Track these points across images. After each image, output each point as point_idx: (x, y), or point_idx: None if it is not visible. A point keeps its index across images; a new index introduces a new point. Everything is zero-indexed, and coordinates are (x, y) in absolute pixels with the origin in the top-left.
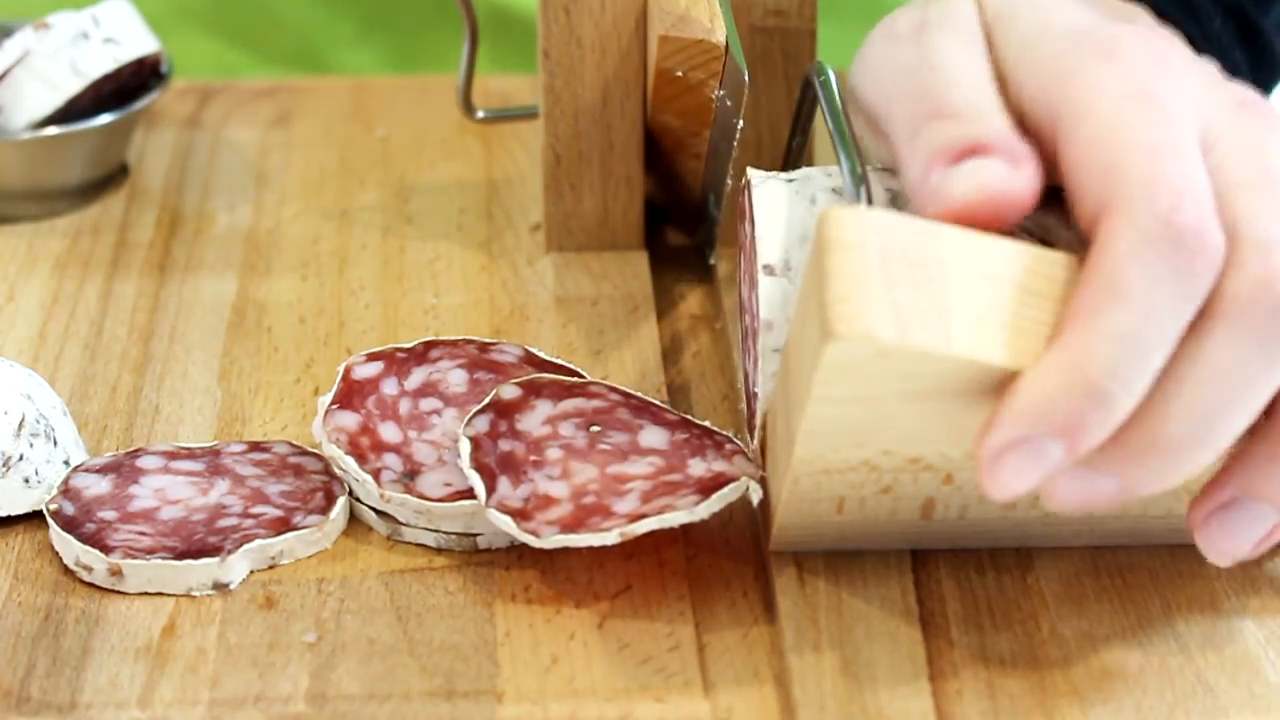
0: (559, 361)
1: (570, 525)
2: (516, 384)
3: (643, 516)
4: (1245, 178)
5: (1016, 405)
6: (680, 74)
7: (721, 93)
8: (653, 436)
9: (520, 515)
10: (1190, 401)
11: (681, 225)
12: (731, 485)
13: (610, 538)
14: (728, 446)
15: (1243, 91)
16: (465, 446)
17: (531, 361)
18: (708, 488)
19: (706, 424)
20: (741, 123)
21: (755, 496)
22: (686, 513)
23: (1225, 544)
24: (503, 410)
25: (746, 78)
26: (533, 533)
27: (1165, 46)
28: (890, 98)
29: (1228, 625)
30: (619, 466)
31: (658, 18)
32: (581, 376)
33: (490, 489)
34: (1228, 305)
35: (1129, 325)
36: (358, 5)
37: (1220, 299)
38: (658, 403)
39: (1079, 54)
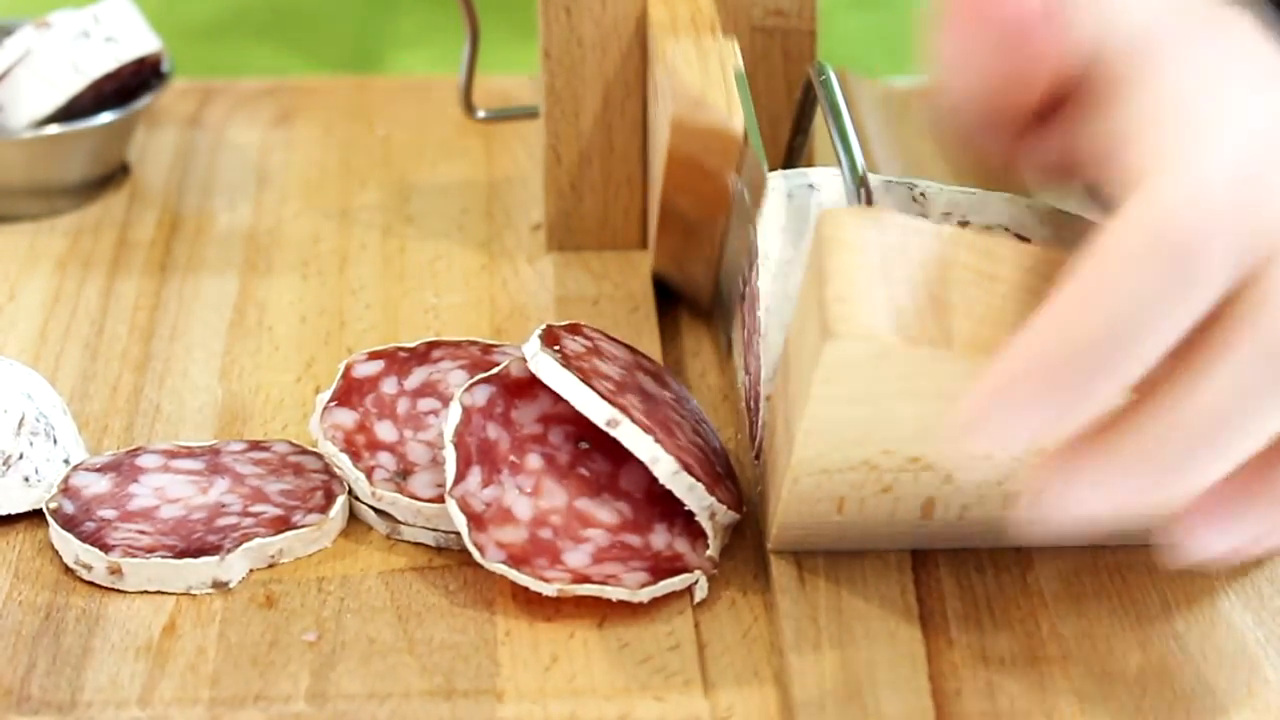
0: None
1: (518, 558)
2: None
3: (587, 579)
4: None
5: (1003, 362)
6: (695, 159)
7: (739, 183)
8: (634, 477)
9: (476, 522)
10: (1185, 415)
11: (692, 299)
12: (680, 576)
13: (548, 589)
14: (696, 527)
15: None
16: (456, 411)
17: None
18: (659, 570)
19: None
20: (762, 215)
21: (699, 594)
22: (628, 592)
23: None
24: (508, 388)
25: (767, 169)
26: (480, 547)
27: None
28: None
29: (1228, 625)
30: (588, 503)
31: (671, 99)
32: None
33: (460, 476)
34: (1232, 327)
35: (1104, 327)
36: (415, 7)
37: (1227, 317)
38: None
39: (1161, 31)
